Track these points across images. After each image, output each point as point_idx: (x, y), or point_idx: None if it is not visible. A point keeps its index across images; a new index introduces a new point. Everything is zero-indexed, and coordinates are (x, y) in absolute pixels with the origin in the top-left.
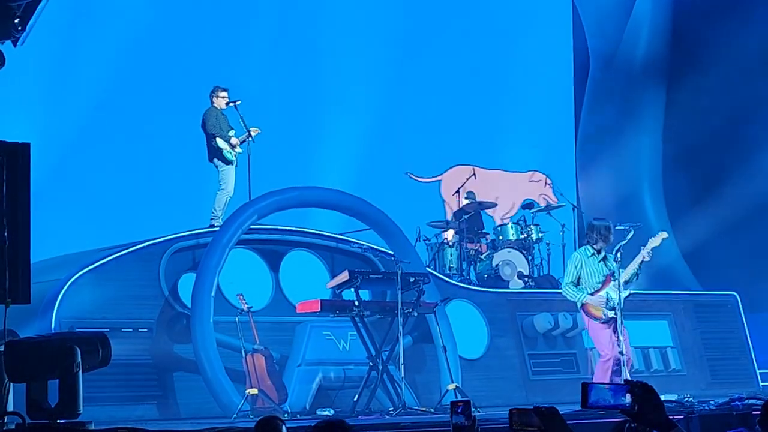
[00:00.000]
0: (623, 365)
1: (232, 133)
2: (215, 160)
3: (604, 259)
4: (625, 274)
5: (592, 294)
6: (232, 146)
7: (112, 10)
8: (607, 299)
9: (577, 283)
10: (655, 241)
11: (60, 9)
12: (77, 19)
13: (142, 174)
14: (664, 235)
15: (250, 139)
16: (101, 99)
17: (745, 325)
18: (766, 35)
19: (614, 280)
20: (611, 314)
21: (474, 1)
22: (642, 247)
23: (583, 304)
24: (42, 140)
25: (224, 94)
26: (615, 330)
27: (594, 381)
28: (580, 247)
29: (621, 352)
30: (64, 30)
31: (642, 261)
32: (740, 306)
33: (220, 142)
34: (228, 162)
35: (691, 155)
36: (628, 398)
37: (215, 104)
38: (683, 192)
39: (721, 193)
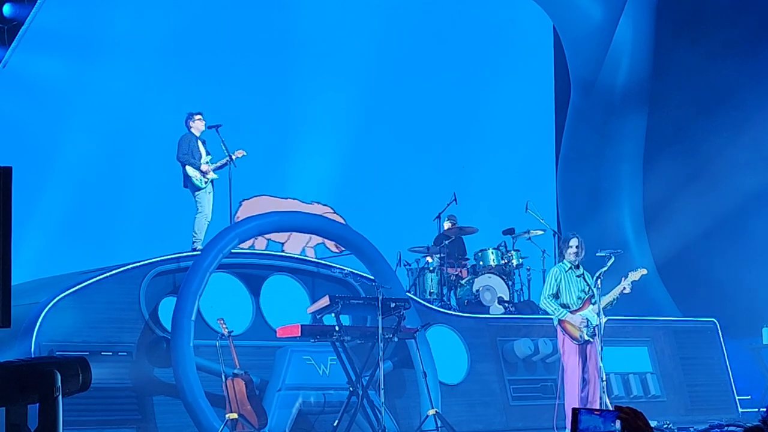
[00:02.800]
0: (603, 391)
1: (207, 158)
2: (189, 186)
3: (582, 275)
4: (602, 302)
5: (572, 312)
6: (203, 173)
7: (93, 34)
8: (587, 323)
9: (556, 296)
10: (634, 275)
11: (40, 33)
12: (58, 42)
13: (123, 197)
14: (644, 271)
15: (231, 163)
16: (82, 122)
17: (725, 351)
18: (745, 63)
19: (593, 304)
20: (587, 337)
21: (455, 26)
22: (623, 278)
23: (561, 321)
24: (23, 162)
25: (199, 117)
26: (585, 354)
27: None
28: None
29: (602, 378)
30: (44, 53)
31: (621, 292)
32: (720, 332)
33: (190, 170)
34: (198, 189)
35: (670, 182)
36: (618, 424)
37: (192, 129)
38: (663, 218)
39: (701, 221)
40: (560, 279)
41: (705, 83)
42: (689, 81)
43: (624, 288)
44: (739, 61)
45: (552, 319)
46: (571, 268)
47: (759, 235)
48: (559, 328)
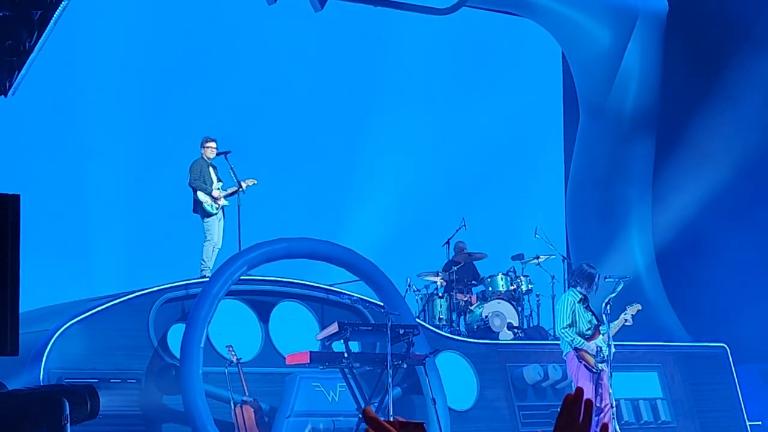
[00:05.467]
0: (612, 417)
1: (219, 185)
2: (199, 211)
3: (588, 306)
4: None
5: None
6: (215, 199)
7: (102, 60)
8: (598, 350)
9: (571, 326)
10: (632, 310)
11: (50, 59)
12: (67, 69)
13: (132, 224)
14: (638, 306)
15: (240, 190)
16: (91, 149)
17: (735, 376)
18: (757, 89)
19: (603, 333)
20: (601, 366)
21: (465, 53)
22: (622, 313)
23: (578, 349)
24: (33, 190)
25: (213, 144)
26: (598, 382)
27: None
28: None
29: (611, 404)
30: (54, 80)
31: (622, 326)
32: (730, 357)
33: (201, 196)
34: (209, 215)
35: (679, 207)
36: None
37: (204, 154)
38: (673, 244)
39: (711, 246)
40: (574, 309)
41: (713, 108)
42: (697, 106)
43: (627, 321)
44: (747, 86)
45: (558, 345)
46: (581, 299)
47: None
48: (573, 357)
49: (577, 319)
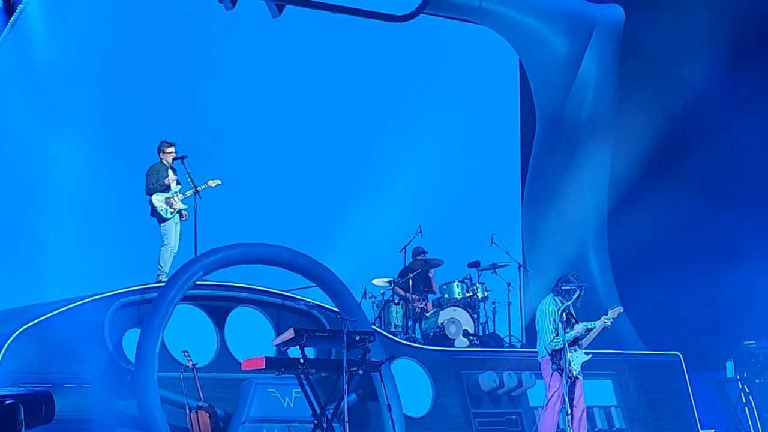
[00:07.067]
0: (568, 425)
1: (177, 188)
2: (155, 215)
3: (570, 314)
4: (586, 340)
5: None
6: (169, 203)
7: (57, 61)
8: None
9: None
10: (613, 313)
11: (10, 60)
12: (21, 70)
13: (87, 227)
14: (620, 309)
15: (196, 194)
16: (45, 149)
17: (689, 384)
18: (714, 98)
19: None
20: (576, 371)
21: (421, 60)
22: (604, 317)
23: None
24: None
25: (172, 149)
26: (572, 388)
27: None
28: (540, 299)
29: (566, 412)
30: (7, 81)
31: (602, 328)
32: (684, 366)
33: (155, 201)
34: (164, 219)
35: (635, 215)
36: None
37: (163, 159)
38: (628, 251)
39: (666, 255)
40: (554, 318)
41: (669, 118)
42: (654, 114)
43: (606, 323)
44: (704, 95)
45: (513, 353)
46: (561, 308)
47: (723, 270)
48: (548, 361)
49: (558, 329)
